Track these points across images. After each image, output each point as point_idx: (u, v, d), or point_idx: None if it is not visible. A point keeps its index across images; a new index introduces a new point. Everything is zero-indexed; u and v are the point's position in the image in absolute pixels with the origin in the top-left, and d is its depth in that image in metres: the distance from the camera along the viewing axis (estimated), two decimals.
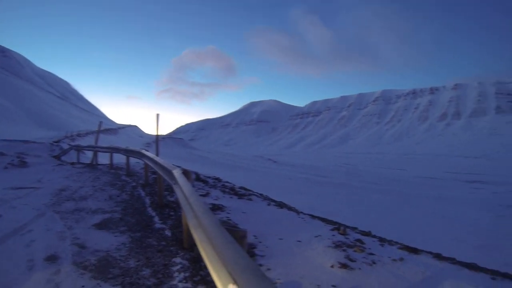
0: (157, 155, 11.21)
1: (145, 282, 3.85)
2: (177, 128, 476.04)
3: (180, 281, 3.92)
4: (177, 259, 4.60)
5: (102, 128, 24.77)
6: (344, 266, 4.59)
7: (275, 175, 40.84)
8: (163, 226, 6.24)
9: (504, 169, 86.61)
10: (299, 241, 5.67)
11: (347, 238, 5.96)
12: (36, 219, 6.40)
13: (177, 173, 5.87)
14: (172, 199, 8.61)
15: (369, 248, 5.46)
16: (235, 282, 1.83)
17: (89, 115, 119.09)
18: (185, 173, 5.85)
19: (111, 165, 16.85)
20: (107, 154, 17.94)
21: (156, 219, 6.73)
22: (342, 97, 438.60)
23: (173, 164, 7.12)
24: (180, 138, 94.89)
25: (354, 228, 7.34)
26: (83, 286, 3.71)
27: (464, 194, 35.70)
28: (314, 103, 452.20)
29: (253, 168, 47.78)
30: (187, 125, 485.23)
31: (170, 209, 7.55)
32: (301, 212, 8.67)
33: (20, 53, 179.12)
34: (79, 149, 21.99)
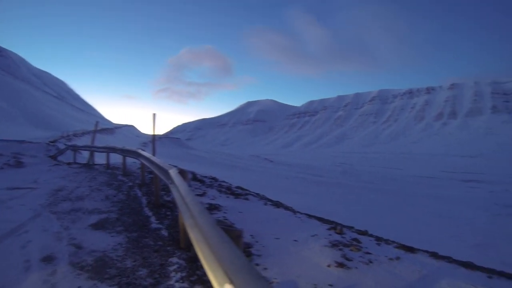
0: (153, 154, 11.22)
1: (141, 282, 3.85)
2: (174, 128, 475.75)
3: (177, 281, 3.92)
4: (174, 259, 4.59)
5: (98, 128, 24.74)
6: (340, 265, 4.60)
7: (271, 174, 40.88)
8: (160, 226, 6.23)
9: (500, 168, 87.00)
10: (295, 240, 5.68)
11: (343, 237, 5.97)
12: (32, 220, 6.38)
13: (173, 172, 5.86)
14: (168, 198, 8.60)
15: (366, 247, 5.48)
16: (231, 281, 1.83)
17: (86, 114, 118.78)
18: (182, 172, 5.85)
19: (108, 165, 16.83)
20: (104, 154, 17.91)
21: (153, 219, 6.72)
22: (338, 96, 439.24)
23: (169, 164, 7.11)
24: (177, 138, 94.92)
25: (350, 227, 7.36)
26: (79, 287, 3.70)
27: (460, 193, 35.83)
28: (311, 102, 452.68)
29: (250, 168, 47.80)
30: (184, 124, 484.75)
31: (167, 209, 7.54)
32: (298, 212, 8.69)
33: (16, 53, 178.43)
34: (75, 149, 21.93)
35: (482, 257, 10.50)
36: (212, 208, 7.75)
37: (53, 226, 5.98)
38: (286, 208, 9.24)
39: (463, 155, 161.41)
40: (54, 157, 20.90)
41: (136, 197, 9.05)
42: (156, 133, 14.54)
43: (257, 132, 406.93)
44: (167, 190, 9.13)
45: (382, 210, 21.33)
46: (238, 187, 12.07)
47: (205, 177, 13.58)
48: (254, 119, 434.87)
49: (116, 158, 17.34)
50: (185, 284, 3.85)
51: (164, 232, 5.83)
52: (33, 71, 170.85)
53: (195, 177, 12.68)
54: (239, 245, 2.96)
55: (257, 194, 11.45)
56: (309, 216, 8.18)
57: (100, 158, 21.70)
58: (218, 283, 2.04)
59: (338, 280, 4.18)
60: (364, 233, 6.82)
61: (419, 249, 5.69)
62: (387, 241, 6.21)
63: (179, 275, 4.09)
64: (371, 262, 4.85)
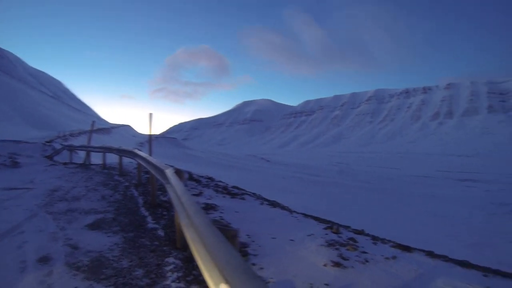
0: (150, 154, 11.18)
1: (138, 283, 3.84)
2: (171, 128, 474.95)
3: (173, 281, 3.92)
4: (170, 259, 4.59)
5: (95, 128, 24.67)
6: (337, 264, 4.61)
7: (268, 174, 40.90)
8: (156, 226, 6.23)
9: (496, 168, 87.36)
10: (292, 240, 5.69)
11: (340, 237, 5.99)
12: (28, 220, 6.36)
13: (169, 172, 5.86)
14: (165, 198, 8.60)
15: (362, 247, 5.50)
16: (227, 281, 1.84)
17: (82, 114, 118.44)
18: (178, 172, 5.85)
19: (104, 165, 16.80)
20: (100, 154, 17.86)
21: (149, 219, 6.72)
22: (335, 96, 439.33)
23: (166, 164, 7.10)
24: (174, 138, 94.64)
25: (347, 227, 7.38)
26: (76, 287, 3.70)
27: (456, 193, 35.97)
28: (307, 102, 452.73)
29: (246, 168, 47.80)
30: (181, 124, 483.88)
31: (163, 209, 7.54)
32: (294, 211, 8.70)
33: (13, 52, 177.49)
34: (71, 149, 21.87)
35: (478, 256, 10.57)
36: (208, 208, 7.75)
37: (49, 227, 5.97)
38: (283, 207, 9.25)
39: (459, 154, 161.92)
40: (50, 157, 20.84)
41: (133, 197, 9.04)
42: (152, 133, 14.50)
43: (254, 131, 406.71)
44: (163, 190, 9.13)
45: (378, 210, 21.39)
46: (234, 187, 12.07)
47: (202, 177, 13.58)
48: (250, 118, 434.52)
49: (112, 158, 17.31)
50: (182, 284, 3.85)
51: (161, 232, 5.83)
52: (29, 71, 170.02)
53: (191, 177, 12.68)
54: (235, 245, 2.97)
55: (253, 193, 11.46)
56: (306, 215, 8.19)
57: (96, 158, 21.63)
58: (214, 283, 2.04)
59: (334, 280, 4.19)
60: (360, 232, 6.83)
61: (415, 248, 5.71)
62: (383, 240, 6.22)
63: (175, 275, 4.10)
64: (367, 261, 4.86)
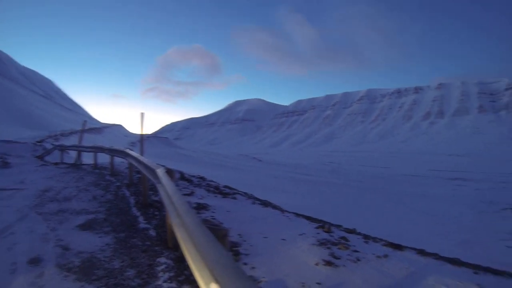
0: (141, 154, 11.16)
1: (129, 283, 3.83)
2: (162, 127, 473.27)
3: (165, 281, 3.91)
4: (162, 259, 4.58)
5: (86, 128, 24.55)
6: (328, 263, 4.63)
7: (260, 173, 40.94)
8: (148, 226, 6.21)
9: (486, 167, 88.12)
10: (283, 239, 5.70)
11: (331, 236, 6.01)
12: (19, 221, 6.30)
13: (160, 172, 5.85)
14: (156, 198, 8.56)
15: (354, 246, 5.53)
16: (217, 281, 1.84)
17: (73, 114, 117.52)
18: (169, 172, 5.84)
19: (95, 165, 16.70)
20: (91, 154, 17.77)
21: (141, 219, 6.69)
22: (327, 96, 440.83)
23: (157, 163, 7.08)
24: (165, 137, 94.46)
25: (338, 226, 7.41)
26: None
27: (447, 191, 36.26)
28: (299, 102, 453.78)
29: (238, 167, 47.80)
30: (172, 124, 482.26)
31: (155, 209, 7.52)
32: (286, 211, 8.72)
33: (4, 51, 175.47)
34: (62, 149, 21.72)
35: (469, 254, 10.67)
36: (200, 207, 7.74)
37: (40, 228, 5.92)
38: (274, 207, 9.27)
39: (450, 154, 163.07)
40: (41, 157, 20.69)
41: (124, 197, 9.00)
42: (144, 132, 14.48)
43: (246, 131, 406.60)
44: (155, 189, 9.09)
45: (370, 209, 21.49)
46: (226, 186, 12.08)
47: (193, 176, 13.56)
48: (242, 118, 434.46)
49: (104, 158, 17.22)
50: (173, 284, 3.84)
51: (152, 232, 5.81)
52: (20, 70, 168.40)
53: (183, 177, 12.65)
54: (225, 244, 2.97)
55: (245, 193, 11.47)
56: (297, 215, 8.22)
57: (87, 158, 21.52)
58: (204, 283, 2.04)
59: (326, 278, 4.21)
60: (352, 231, 6.87)
61: (406, 247, 5.75)
62: (375, 239, 6.26)
63: (167, 275, 4.08)
64: (359, 260, 4.89)
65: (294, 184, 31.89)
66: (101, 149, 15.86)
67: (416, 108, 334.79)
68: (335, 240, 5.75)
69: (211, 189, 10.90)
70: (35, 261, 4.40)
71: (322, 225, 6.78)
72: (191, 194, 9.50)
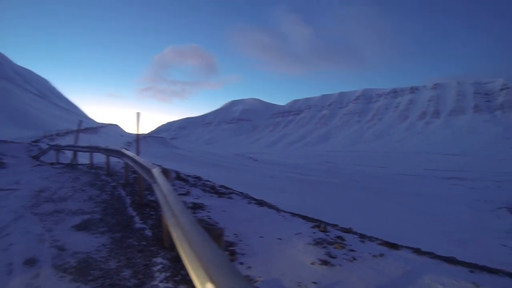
0: (138, 154, 11.13)
1: (126, 283, 3.82)
2: (158, 127, 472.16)
3: (161, 281, 3.91)
4: (158, 259, 4.58)
5: (82, 127, 24.46)
6: (324, 262, 4.64)
7: (256, 173, 40.92)
8: (144, 226, 6.20)
9: (481, 166, 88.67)
10: (279, 239, 5.71)
11: (327, 235, 6.02)
12: (14, 222, 6.27)
13: (156, 172, 5.84)
14: (152, 198, 8.55)
15: (350, 245, 5.54)
16: (212, 280, 1.84)
17: (69, 113, 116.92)
18: (165, 172, 5.83)
19: (91, 165, 16.65)
20: (87, 154, 17.71)
21: (137, 219, 6.68)
22: (323, 95, 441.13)
23: (153, 163, 7.07)
24: (161, 137, 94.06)
25: (334, 225, 7.41)
26: None
27: (443, 190, 36.42)
28: (295, 101, 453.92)
29: (234, 167, 47.77)
30: (168, 123, 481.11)
31: (151, 209, 7.50)
32: (282, 210, 8.72)
33: None
34: (58, 149, 21.64)
35: (465, 253, 10.72)
36: (196, 207, 7.74)
37: (36, 228, 5.89)
38: (270, 206, 9.28)
39: (446, 153, 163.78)
40: (36, 157, 20.61)
41: (120, 197, 8.98)
42: (140, 132, 14.43)
43: (242, 131, 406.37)
44: (151, 189, 9.08)
45: (366, 208, 21.53)
46: (222, 186, 12.08)
47: (189, 176, 13.55)
48: (238, 118, 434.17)
49: (99, 158, 17.16)
50: (170, 284, 3.84)
51: (148, 232, 5.80)
52: (15, 69, 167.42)
53: (179, 176, 12.64)
54: (220, 244, 2.97)
55: (241, 193, 11.47)
56: (293, 214, 8.22)
57: (83, 158, 21.44)
58: (200, 283, 2.05)
59: (322, 278, 4.22)
60: (348, 230, 6.87)
61: (402, 246, 5.77)
62: (371, 238, 6.28)
63: (163, 275, 4.08)
64: (355, 259, 4.90)
65: (290, 184, 31.90)
66: (97, 149, 15.81)
67: (412, 108, 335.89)
68: (331, 239, 5.76)
69: (207, 188, 10.90)
70: (31, 262, 4.38)
71: (318, 224, 6.79)
72: (187, 193, 9.49)
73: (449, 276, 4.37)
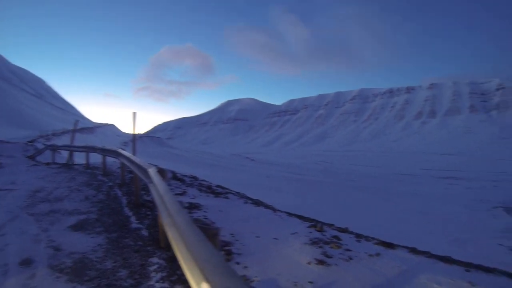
0: (134, 154, 11.11)
1: (122, 284, 3.82)
2: (155, 127, 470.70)
3: (157, 281, 3.90)
4: (154, 259, 4.57)
5: (78, 127, 24.39)
6: (320, 262, 4.65)
7: (252, 173, 40.96)
8: (140, 226, 6.19)
9: (477, 166, 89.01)
10: (275, 238, 5.71)
11: (323, 235, 6.03)
12: (10, 222, 6.25)
13: (152, 172, 5.84)
14: (149, 198, 8.53)
15: (346, 244, 5.55)
16: (207, 280, 1.84)
17: (65, 113, 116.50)
18: (161, 171, 5.83)
19: (87, 165, 16.61)
20: (83, 154, 17.67)
21: (133, 219, 6.67)
22: (319, 95, 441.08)
23: (149, 163, 7.06)
24: (158, 137, 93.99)
25: (331, 225, 7.43)
26: None
27: (439, 190, 36.54)
28: (292, 101, 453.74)
29: (231, 167, 47.78)
30: (165, 123, 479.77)
31: (147, 209, 7.49)
32: (278, 210, 8.73)
33: None
34: (54, 149, 21.57)
35: (461, 252, 10.76)
36: (192, 207, 7.74)
37: (32, 228, 5.87)
38: (266, 206, 9.29)
39: (442, 153, 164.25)
40: (32, 157, 20.54)
41: (116, 197, 8.96)
42: (136, 132, 14.40)
43: (238, 131, 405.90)
44: (147, 189, 9.06)
45: (362, 208, 21.58)
46: (218, 186, 12.09)
47: (185, 176, 13.54)
48: (235, 117, 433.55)
49: (96, 158, 17.12)
50: (166, 284, 3.84)
51: (144, 232, 5.80)
52: (11, 69, 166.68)
53: (175, 176, 12.63)
54: (216, 244, 2.98)
55: (237, 192, 11.48)
56: (289, 214, 8.24)
57: (79, 158, 21.38)
58: (195, 282, 2.05)
59: (318, 277, 4.23)
60: (344, 230, 6.89)
61: (398, 245, 5.79)
62: (367, 238, 6.29)
63: (159, 275, 4.08)
64: (351, 258, 4.91)
65: (286, 184, 31.94)
66: (93, 149, 15.77)
67: (408, 108, 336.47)
68: (327, 239, 5.78)
69: (203, 188, 10.90)
70: (26, 262, 4.37)
71: (314, 224, 6.81)
72: (183, 193, 9.49)
73: (445, 275, 4.39)
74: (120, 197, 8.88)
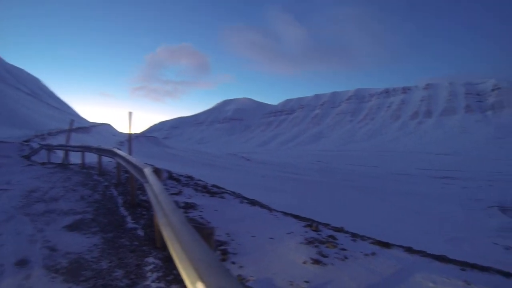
0: (130, 153, 11.08)
1: (118, 284, 3.81)
2: (151, 127, 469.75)
3: (153, 281, 3.90)
4: (150, 259, 4.57)
5: (74, 127, 24.30)
6: (316, 262, 4.65)
7: (248, 173, 40.97)
8: (136, 225, 6.18)
9: (473, 166, 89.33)
10: (271, 238, 5.72)
11: (319, 235, 6.04)
12: (5, 223, 6.22)
13: (148, 171, 5.83)
14: (144, 198, 8.52)
15: (342, 244, 5.56)
16: (202, 279, 1.85)
17: (61, 113, 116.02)
18: (156, 171, 5.82)
19: (83, 165, 16.55)
20: (79, 154, 17.61)
21: (129, 218, 6.65)
22: (315, 95, 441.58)
23: (145, 163, 7.05)
24: (154, 137, 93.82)
25: (326, 225, 7.45)
26: None
27: (435, 190, 36.66)
28: (288, 101, 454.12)
29: (227, 166, 47.77)
30: (161, 123, 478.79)
31: (143, 209, 7.48)
32: (274, 210, 8.75)
33: None
34: (49, 148, 21.49)
35: (457, 251, 10.81)
36: (188, 206, 7.73)
37: (27, 229, 5.84)
38: (262, 206, 9.30)
39: (438, 153, 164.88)
40: (27, 157, 20.46)
41: (112, 196, 8.94)
42: (132, 131, 14.38)
43: (234, 130, 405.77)
44: (143, 189, 9.05)
45: (358, 207, 21.63)
46: (214, 186, 12.09)
47: (181, 175, 13.53)
48: (231, 117, 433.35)
49: (91, 158, 17.07)
50: (162, 284, 3.84)
51: (140, 232, 5.79)
52: (6, 68, 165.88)
53: (171, 176, 12.62)
54: (211, 243, 2.97)
55: (233, 192, 11.49)
56: (285, 213, 8.25)
57: (75, 158, 21.31)
58: (191, 282, 2.05)
59: (314, 277, 4.23)
60: (340, 230, 6.91)
61: (394, 245, 5.81)
62: (362, 237, 6.31)
63: (155, 275, 4.07)
64: (346, 258, 4.92)
65: (282, 183, 31.96)
66: (88, 149, 15.73)
67: (404, 108, 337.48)
68: (323, 238, 5.79)
69: (199, 188, 10.90)
70: (22, 263, 4.35)
71: (310, 223, 6.82)
72: (179, 193, 9.48)
73: (440, 274, 4.41)
74: (116, 197, 8.86)
